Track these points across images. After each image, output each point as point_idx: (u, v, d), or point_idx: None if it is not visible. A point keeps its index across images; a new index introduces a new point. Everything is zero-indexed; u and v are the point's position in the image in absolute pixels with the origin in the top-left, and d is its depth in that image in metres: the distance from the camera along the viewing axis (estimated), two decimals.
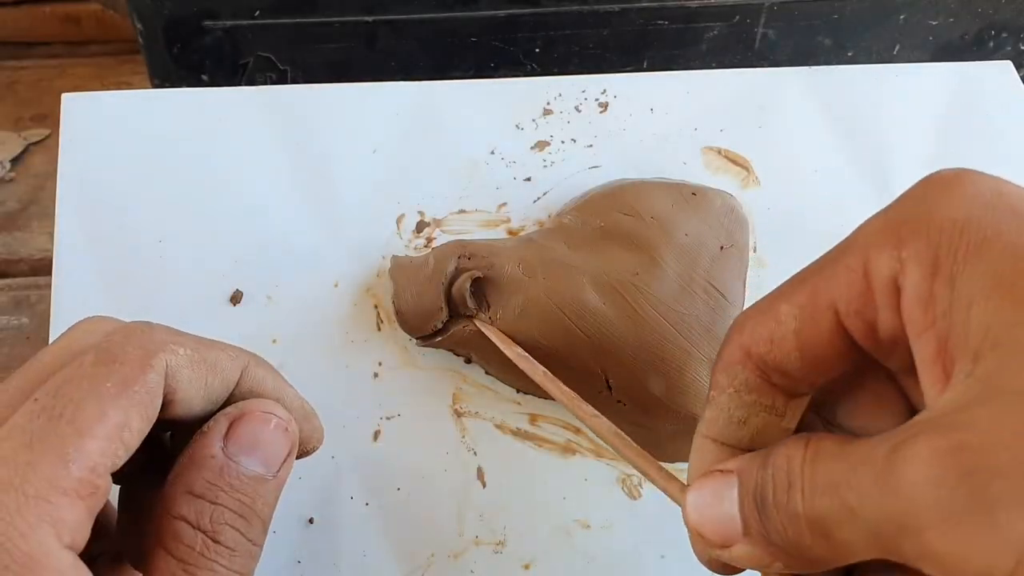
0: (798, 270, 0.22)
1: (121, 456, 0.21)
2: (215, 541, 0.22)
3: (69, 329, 0.25)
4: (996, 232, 0.18)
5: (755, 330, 0.21)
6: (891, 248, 0.19)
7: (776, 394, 0.22)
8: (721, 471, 0.21)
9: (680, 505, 0.22)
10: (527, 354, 0.32)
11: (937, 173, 0.20)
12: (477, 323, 0.32)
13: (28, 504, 0.19)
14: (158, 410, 0.22)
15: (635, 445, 0.26)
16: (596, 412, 0.28)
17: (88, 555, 0.21)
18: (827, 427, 0.23)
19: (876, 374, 0.22)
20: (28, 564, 0.19)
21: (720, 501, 0.21)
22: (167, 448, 0.26)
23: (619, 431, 0.27)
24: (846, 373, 0.22)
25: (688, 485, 0.23)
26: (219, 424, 0.24)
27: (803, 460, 0.19)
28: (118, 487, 0.25)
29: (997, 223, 0.18)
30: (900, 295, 0.19)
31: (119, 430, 0.21)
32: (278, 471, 0.24)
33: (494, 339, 0.32)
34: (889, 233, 0.19)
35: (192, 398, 0.23)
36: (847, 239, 0.21)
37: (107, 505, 0.23)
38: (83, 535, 0.20)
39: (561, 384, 0.30)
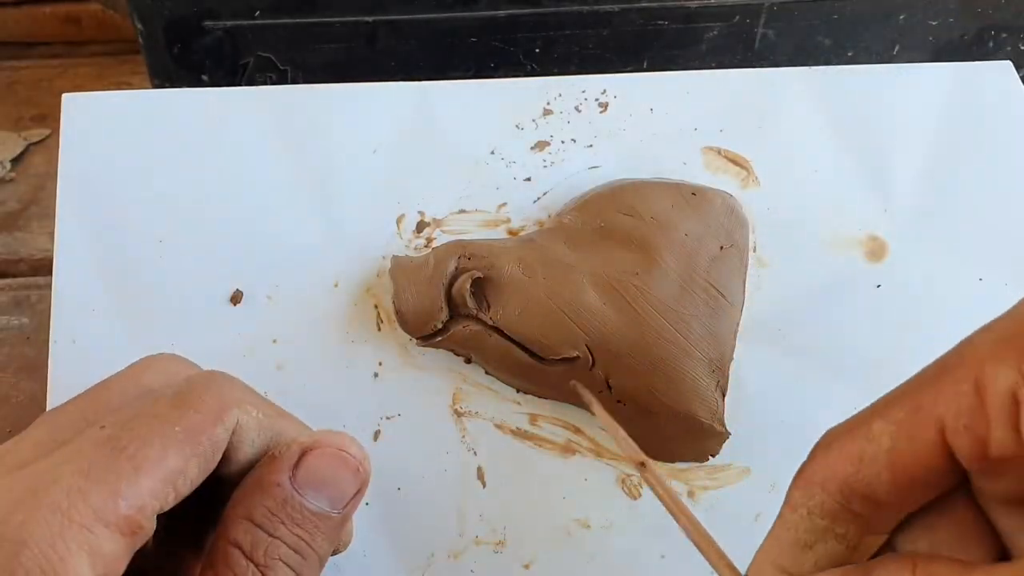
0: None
1: (170, 501, 0.21)
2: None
3: (138, 363, 0.25)
4: None
5: (843, 448, 0.20)
6: (1012, 360, 0.18)
7: (851, 523, 0.20)
8: None
9: None
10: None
11: None
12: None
13: (71, 530, 0.19)
14: (216, 463, 0.22)
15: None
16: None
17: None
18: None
19: (958, 500, 0.21)
20: None
21: None
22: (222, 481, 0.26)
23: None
24: (929, 500, 0.20)
25: None
26: (291, 452, 0.23)
27: None
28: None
29: None
30: (1019, 410, 0.18)
31: (175, 476, 0.21)
32: (343, 509, 0.24)
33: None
34: (1007, 345, 0.18)
35: (251, 461, 0.23)
36: (952, 355, 0.20)
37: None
38: (117, 570, 0.20)
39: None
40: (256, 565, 0.22)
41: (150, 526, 0.21)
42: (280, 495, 0.23)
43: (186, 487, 0.21)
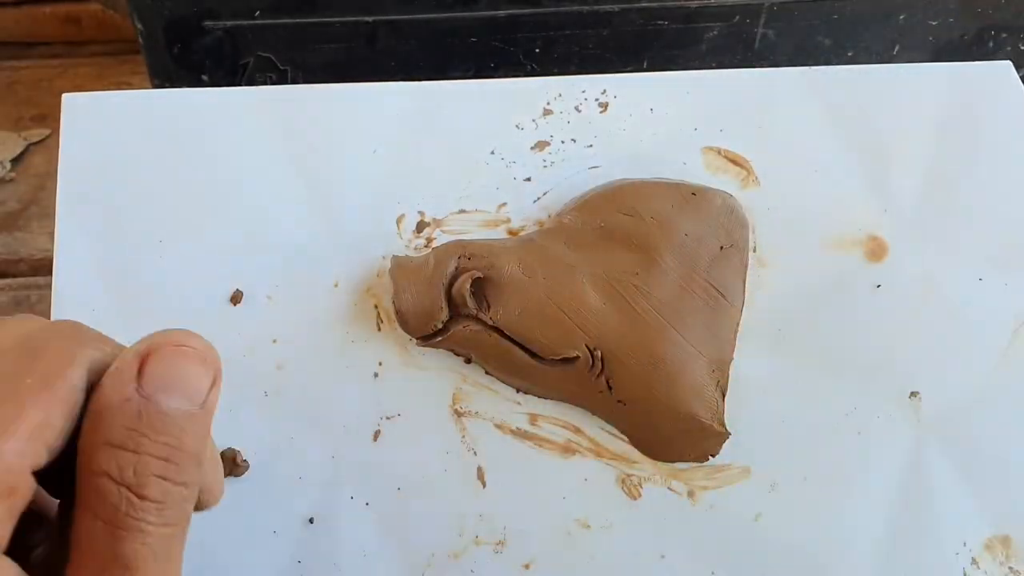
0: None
1: (43, 456, 0.20)
2: (141, 496, 0.20)
3: None
4: None
5: None
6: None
7: None
8: None
9: None
10: None
11: None
12: None
13: None
14: (80, 406, 0.21)
15: None
16: None
17: (26, 545, 0.20)
18: None
19: None
20: None
21: None
22: None
23: None
24: None
25: None
26: (128, 364, 0.21)
27: None
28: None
29: None
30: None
31: (40, 430, 0.20)
32: (204, 401, 0.22)
33: None
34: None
35: None
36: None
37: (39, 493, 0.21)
38: (2, 535, 0.19)
39: None
40: (129, 488, 0.20)
41: (26, 486, 0.20)
42: (132, 409, 0.21)
43: (56, 439, 0.20)
